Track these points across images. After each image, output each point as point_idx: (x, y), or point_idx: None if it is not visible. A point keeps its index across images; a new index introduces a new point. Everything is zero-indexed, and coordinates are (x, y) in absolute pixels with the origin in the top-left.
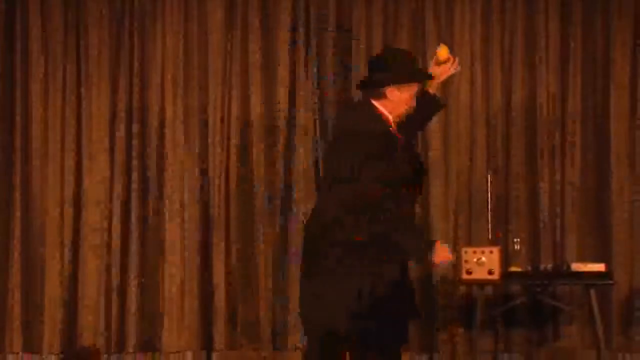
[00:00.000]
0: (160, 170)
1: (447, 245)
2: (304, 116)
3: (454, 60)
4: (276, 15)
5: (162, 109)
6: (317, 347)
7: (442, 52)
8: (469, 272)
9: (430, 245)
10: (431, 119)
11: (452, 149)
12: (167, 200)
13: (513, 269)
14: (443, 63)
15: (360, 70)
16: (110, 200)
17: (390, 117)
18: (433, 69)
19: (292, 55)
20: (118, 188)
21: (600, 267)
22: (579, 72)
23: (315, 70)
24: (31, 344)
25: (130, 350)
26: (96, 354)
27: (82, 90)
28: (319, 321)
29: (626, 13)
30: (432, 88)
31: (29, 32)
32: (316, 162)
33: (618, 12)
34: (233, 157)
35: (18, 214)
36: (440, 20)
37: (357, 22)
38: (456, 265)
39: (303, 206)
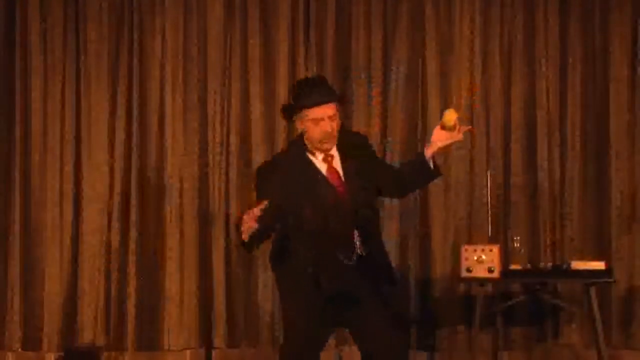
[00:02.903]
0: (160, 164)
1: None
2: None
3: (460, 129)
4: (276, 9)
5: (162, 103)
6: None
7: (449, 116)
8: (468, 270)
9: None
10: (422, 186)
11: (451, 144)
12: (167, 197)
13: (513, 267)
14: (448, 128)
15: (359, 69)
16: (111, 197)
17: (310, 146)
18: (437, 132)
19: (292, 50)
20: (117, 184)
21: (600, 265)
22: (578, 66)
23: (314, 68)
24: (31, 342)
25: (130, 348)
26: (97, 352)
27: (82, 84)
28: None
29: (625, 7)
30: (429, 151)
31: (28, 26)
32: None
33: (617, 5)
34: (233, 153)
35: (18, 213)
36: (439, 15)
37: (356, 15)
38: (456, 263)
39: None
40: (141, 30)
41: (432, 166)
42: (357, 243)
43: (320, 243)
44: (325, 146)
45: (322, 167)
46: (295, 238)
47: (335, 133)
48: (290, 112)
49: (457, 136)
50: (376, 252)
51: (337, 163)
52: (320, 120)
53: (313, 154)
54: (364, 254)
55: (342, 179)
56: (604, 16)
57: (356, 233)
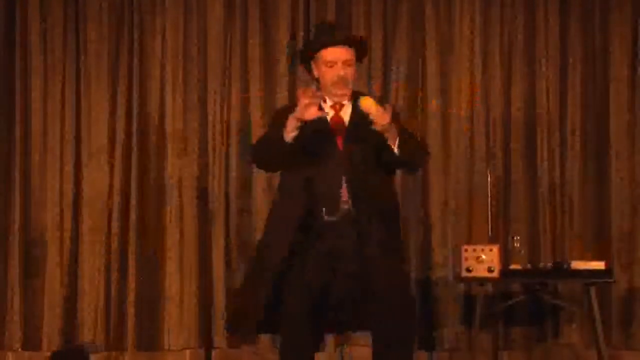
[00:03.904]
0: (160, 164)
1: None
2: None
3: (379, 111)
4: (276, 9)
5: (162, 103)
6: None
7: (363, 103)
8: (468, 270)
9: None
10: (397, 167)
11: (451, 144)
12: (167, 197)
13: (513, 266)
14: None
15: (359, 69)
16: (110, 197)
17: (325, 96)
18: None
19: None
20: (117, 184)
21: (600, 265)
22: (578, 66)
23: None
24: (31, 342)
25: (130, 348)
26: (86, 351)
27: (82, 84)
28: None
29: (625, 7)
30: (391, 140)
31: (28, 26)
32: None
33: (617, 5)
34: (233, 152)
35: (18, 213)
36: (439, 15)
37: (356, 15)
38: (456, 263)
39: None
40: (141, 30)
41: (395, 148)
42: (344, 198)
43: (308, 194)
44: (338, 92)
45: (329, 114)
46: (287, 191)
47: (349, 80)
48: (306, 57)
49: (377, 121)
50: (370, 213)
51: (345, 112)
52: (334, 63)
53: (325, 101)
54: (351, 210)
55: (346, 128)
56: (604, 16)
57: (344, 187)
